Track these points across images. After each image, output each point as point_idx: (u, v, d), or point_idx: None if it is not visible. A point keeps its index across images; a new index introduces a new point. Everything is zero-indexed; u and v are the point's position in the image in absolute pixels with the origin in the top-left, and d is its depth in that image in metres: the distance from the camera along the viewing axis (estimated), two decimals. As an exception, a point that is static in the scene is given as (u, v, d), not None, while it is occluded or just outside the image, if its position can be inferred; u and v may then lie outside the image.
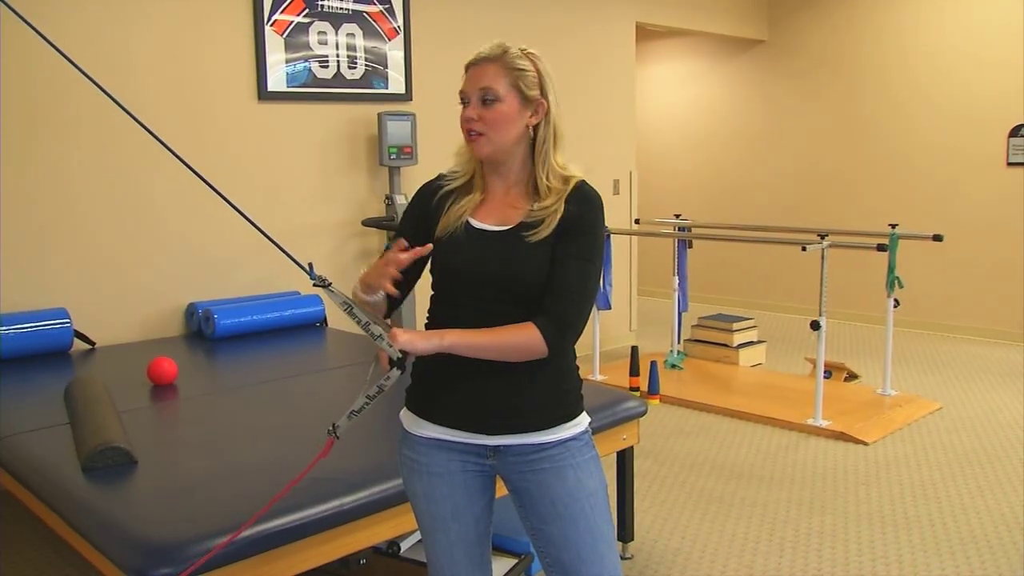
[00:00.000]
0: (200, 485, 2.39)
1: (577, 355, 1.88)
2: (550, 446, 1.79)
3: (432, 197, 1.86)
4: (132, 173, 4.25)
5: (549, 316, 1.70)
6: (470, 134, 1.78)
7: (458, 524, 1.85)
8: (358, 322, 1.61)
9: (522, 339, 1.69)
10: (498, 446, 1.79)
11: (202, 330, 4.30)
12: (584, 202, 1.77)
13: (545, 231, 1.73)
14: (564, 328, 1.71)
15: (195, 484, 2.41)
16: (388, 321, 1.80)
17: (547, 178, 1.78)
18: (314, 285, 1.63)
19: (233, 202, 1.70)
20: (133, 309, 4.32)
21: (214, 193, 1.71)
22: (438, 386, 1.80)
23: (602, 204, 1.80)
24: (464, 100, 1.79)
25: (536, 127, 1.79)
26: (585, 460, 1.82)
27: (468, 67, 1.80)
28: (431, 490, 1.84)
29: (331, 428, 1.69)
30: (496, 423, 1.78)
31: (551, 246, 1.73)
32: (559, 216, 1.74)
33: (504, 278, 1.74)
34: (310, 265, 1.64)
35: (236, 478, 2.44)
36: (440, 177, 1.89)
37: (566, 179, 1.79)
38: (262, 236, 1.71)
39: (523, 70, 1.77)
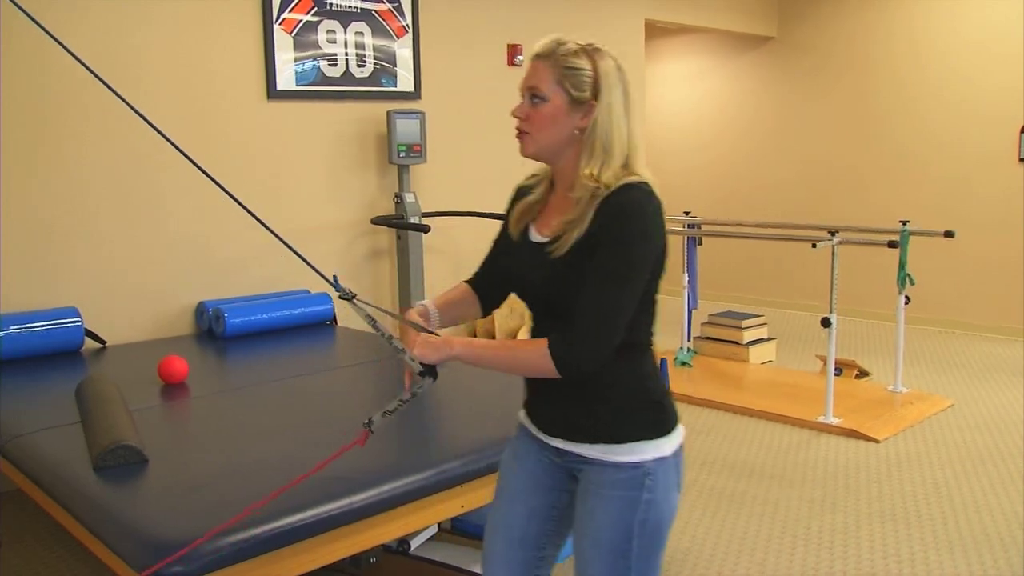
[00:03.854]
0: (211, 483, 2.40)
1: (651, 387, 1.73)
2: (589, 461, 1.71)
3: (515, 200, 1.84)
4: (142, 172, 4.26)
5: (563, 334, 1.60)
6: (518, 132, 1.72)
7: (509, 506, 1.85)
8: (381, 335, 1.64)
9: (530, 355, 1.62)
10: (559, 448, 1.77)
11: (212, 329, 4.31)
12: (612, 212, 1.60)
13: (562, 248, 1.63)
14: (573, 349, 1.59)
15: (206, 482, 2.41)
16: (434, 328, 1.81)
17: (577, 189, 1.65)
18: (340, 298, 1.65)
19: (244, 203, 1.71)
20: (144, 308, 4.33)
21: (222, 192, 1.72)
22: (530, 381, 1.81)
23: (641, 212, 1.61)
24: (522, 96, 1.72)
25: (583, 130, 1.67)
26: (612, 500, 1.67)
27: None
28: (507, 465, 1.89)
29: (367, 422, 1.69)
30: (553, 426, 1.77)
31: (580, 261, 1.62)
32: (582, 231, 1.61)
33: (536, 289, 1.73)
34: (335, 277, 1.65)
35: (247, 476, 2.44)
36: (529, 177, 1.86)
37: (595, 191, 1.62)
38: (272, 234, 1.71)
39: (574, 68, 1.65)
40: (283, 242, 1.70)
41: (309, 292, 4.69)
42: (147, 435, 2.69)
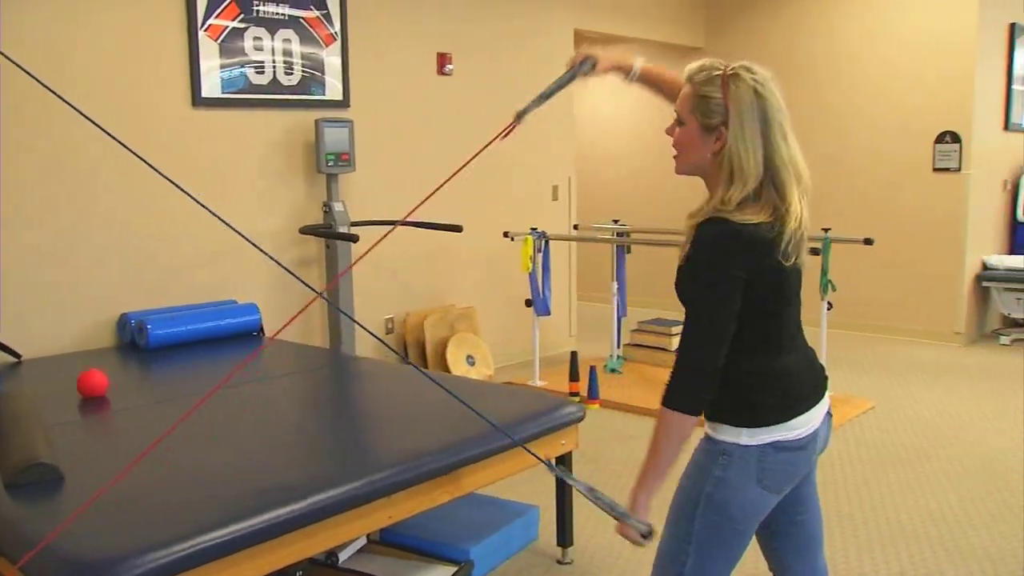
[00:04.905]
0: (132, 498, 2.33)
1: (756, 386, 1.87)
2: None
3: None
4: (62, 180, 4.14)
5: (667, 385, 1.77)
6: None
7: None
8: (602, 506, 1.82)
9: (661, 424, 1.76)
10: None
11: (135, 341, 4.21)
12: (693, 246, 1.74)
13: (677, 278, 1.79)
14: (671, 393, 1.75)
15: (126, 498, 2.34)
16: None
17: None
18: (557, 480, 1.92)
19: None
20: (62, 320, 4.20)
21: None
22: None
23: (711, 241, 1.72)
24: None
25: (717, 155, 1.73)
26: (695, 462, 1.87)
27: None
28: None
29: (520, 111, 1.94)
30: None
31: (680, 280, 1.84)
32: (683, 254, 1.77)
33: None
34: (551, 463, 1.82)
35: (170, 490, 2.39)
36: None
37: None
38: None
39: (706, 96, 1.72)
40: (339, 310, 1.68)
41: (236, 302, 4.61)
42: (65, 451, 2.62)
